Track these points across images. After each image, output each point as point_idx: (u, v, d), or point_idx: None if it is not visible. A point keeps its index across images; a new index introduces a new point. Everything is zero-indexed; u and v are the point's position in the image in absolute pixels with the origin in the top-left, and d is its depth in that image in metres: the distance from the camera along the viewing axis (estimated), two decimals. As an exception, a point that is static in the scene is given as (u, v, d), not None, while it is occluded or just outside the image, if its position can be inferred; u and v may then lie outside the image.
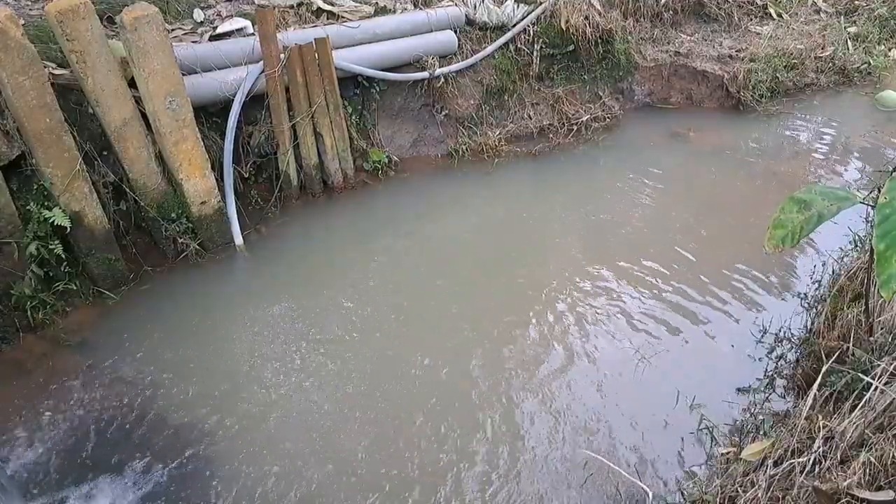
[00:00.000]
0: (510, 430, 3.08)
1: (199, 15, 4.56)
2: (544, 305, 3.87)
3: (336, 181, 5.01)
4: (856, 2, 7.35)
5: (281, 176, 4.71)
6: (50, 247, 3.54)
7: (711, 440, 2.96)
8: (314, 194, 4.96)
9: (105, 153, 3.88)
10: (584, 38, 5.81)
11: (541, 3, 5.70)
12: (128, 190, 3.95)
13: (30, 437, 3.05)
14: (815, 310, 3.65)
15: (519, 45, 5.71)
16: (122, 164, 3.85)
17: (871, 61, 6.77)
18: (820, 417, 2.38)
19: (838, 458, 2.22)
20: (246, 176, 4.63)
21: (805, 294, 3.87)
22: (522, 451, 2.97)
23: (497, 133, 5.66)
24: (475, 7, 5.52)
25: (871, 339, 2.75)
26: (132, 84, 3.73)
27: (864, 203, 2.36)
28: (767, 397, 3.16)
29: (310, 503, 2.77)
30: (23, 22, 3.34)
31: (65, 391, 3.29)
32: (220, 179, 4.30)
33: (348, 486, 2.82)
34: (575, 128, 5.86)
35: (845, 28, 7.06)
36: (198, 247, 4.20)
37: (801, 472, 2.23)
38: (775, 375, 3.29)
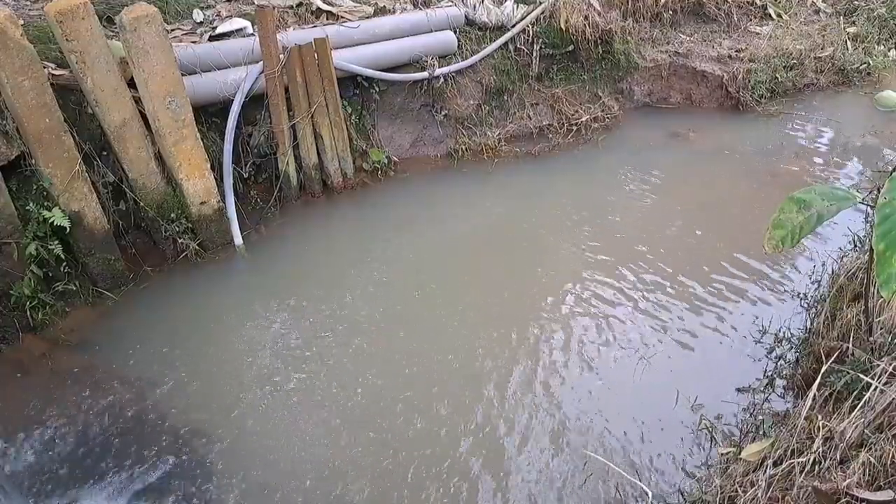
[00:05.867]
0: (510, 429, 3.08)
1: (198, 15, 4.56)
2: (544, 306, 3.87)
3: (336, 181, 5.01)
4: (855, 2, 7.35)
5: (280, 176, 4.71)
6: (49, 247, 3.54)
7: (711, 440, 2.96)
8: (314, 194, 4.96)
9: (105, 153, 3.88)
10: (584, 38, 5.82)
11: (540, 4, 5.71)
12: (127, 190, 3.95)
13: (29, 437, 3.05)
14: (814, 310, 3.65)
15: (518, 46, 5.72)
16: (122, 164, 3.85)
17: (871, 61, 6.77)
18: (819, 417, 2.38)
19: (838, 458, 2.22)
20: (245, 176, 4.63)
21: (804, 294, 3.87)
22: (521, 450, 2.97)
23: (496, 133, 5.66)
24: (475, 7, 5.52)
25: (871, 339, 2.75)
26: (132, 84, 3.73)
27: (863, 203, 2.37)
28: (767, 397, 3.16)
29: None
30: (22, 22, 3.34)
31: (64, 391, 3.29)
32: (219, 180, 4.30)
33: (349, 486, 2.82)
34: (574, 128, 5.86)
35: (845, 28, 7.06)
36: (197, 247, 4.20)
37: (801, 472, 2.23)
38: (775, 375, 3.29)
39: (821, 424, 2.32)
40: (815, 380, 2.54)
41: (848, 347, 2.79)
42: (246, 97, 4.32)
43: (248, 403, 3.24)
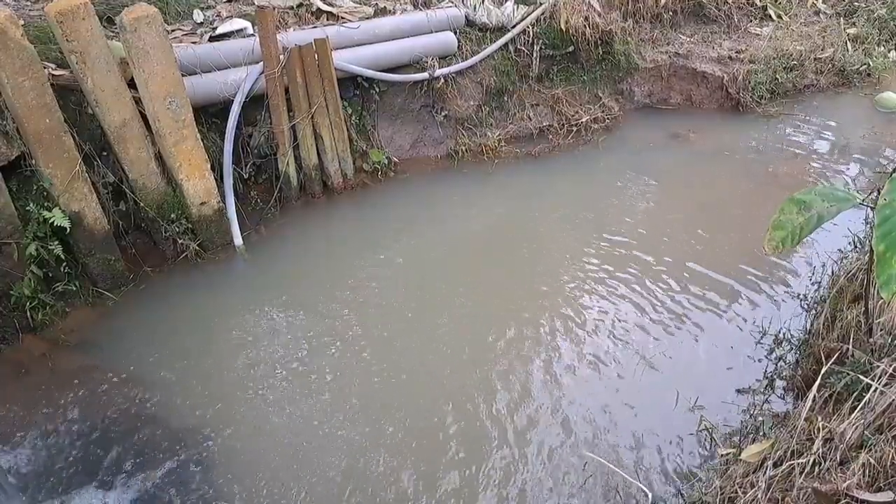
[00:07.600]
0: (509, 430, 3.08)
1: (198, 16, 4.56)
2: (544, 307, 3.87)
3: (336, 182, 5.01)
4: (855, 3, 7.36)
5: (281, 177, 4.71)
6: (49, 247, 3.54)
7: (711, 441, 2.96)
8: (314, 195, 4.96)
9: (105, 154, 3.88)
10: (584, 39, 5.82)
11: (541, 4, 5.71)
12: (127, 190, 3.95)
13: (29, 437, 3.04)
14: (814, 311, 3.65)
15: (518, 46, 5.72)
16: (122, 164, 3.85)
17: (871, 63, 6.77)
18: (819, 419, 2.38)
19: (838, 459, 2.21)
20: (246, 177, 4.63)
21: (804, 295, 3.87)
22: (522, 451, 2.97)
23: (497, 134, 5.66)
24: (475, 8, 5.52)
25: (871, 340, 2.75)
26: (132, 84, 3.73)
27: (863, 204, 2.36)
28: (767, 398, 3.16)
29: (309, 504, 2.77)
30: (23, 22, 3.34)
31: (64, 392, 3.28)
32: (219, 180, 4.30)
33: (352, 487, 2.82)
34: (574, 129, 5.86)
35: (845, 29, 7.06)
36: (197, 247, 4.20)
37: (801, 473, 2.23)
38: (775, 377, 3.29)
39: (821, 425, 2.32)
40: (814, 381, 2.54)
41: (848, 349, 2.78)
42: (246, 98, 4.32)
43: (248, 404, 3.24)
